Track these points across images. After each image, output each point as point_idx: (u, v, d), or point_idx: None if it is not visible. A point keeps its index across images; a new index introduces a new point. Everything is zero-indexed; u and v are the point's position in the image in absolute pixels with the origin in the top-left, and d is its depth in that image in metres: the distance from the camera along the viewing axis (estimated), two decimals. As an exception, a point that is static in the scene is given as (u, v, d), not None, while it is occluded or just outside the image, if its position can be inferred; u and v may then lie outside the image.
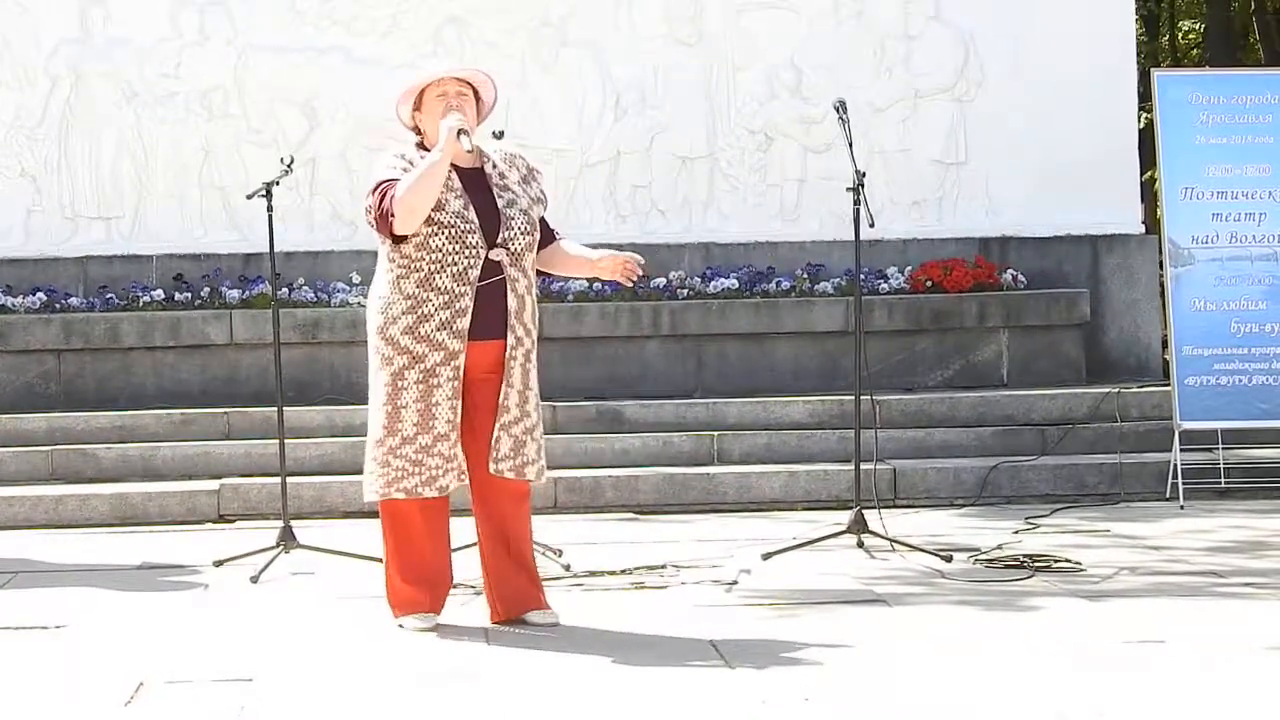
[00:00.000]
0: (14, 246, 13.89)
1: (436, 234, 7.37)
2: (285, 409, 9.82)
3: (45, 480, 11.75)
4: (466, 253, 7.38)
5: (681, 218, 14.26)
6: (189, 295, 13.50)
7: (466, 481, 7.59)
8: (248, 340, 13.06)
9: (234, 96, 14.06)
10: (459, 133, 7.35)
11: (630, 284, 7.75)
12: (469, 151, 7.43)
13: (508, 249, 7.44)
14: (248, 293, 13.44)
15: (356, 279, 13.61)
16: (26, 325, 13.13)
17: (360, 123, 13.92)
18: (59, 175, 13.96)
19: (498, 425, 7.46)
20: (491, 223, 7.44)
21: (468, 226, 7.39)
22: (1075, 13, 14.34)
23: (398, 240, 7.40)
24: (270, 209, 9.57)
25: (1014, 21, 14.33)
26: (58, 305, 13.43)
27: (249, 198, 9.69)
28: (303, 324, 13.09)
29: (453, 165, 7.44)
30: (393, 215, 7.31)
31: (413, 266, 7.41)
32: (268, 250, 9.84)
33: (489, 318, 7.42)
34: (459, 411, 7.43)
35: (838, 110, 9.65)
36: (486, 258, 7.41)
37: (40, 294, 13.47)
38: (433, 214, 7.36)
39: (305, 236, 13.97)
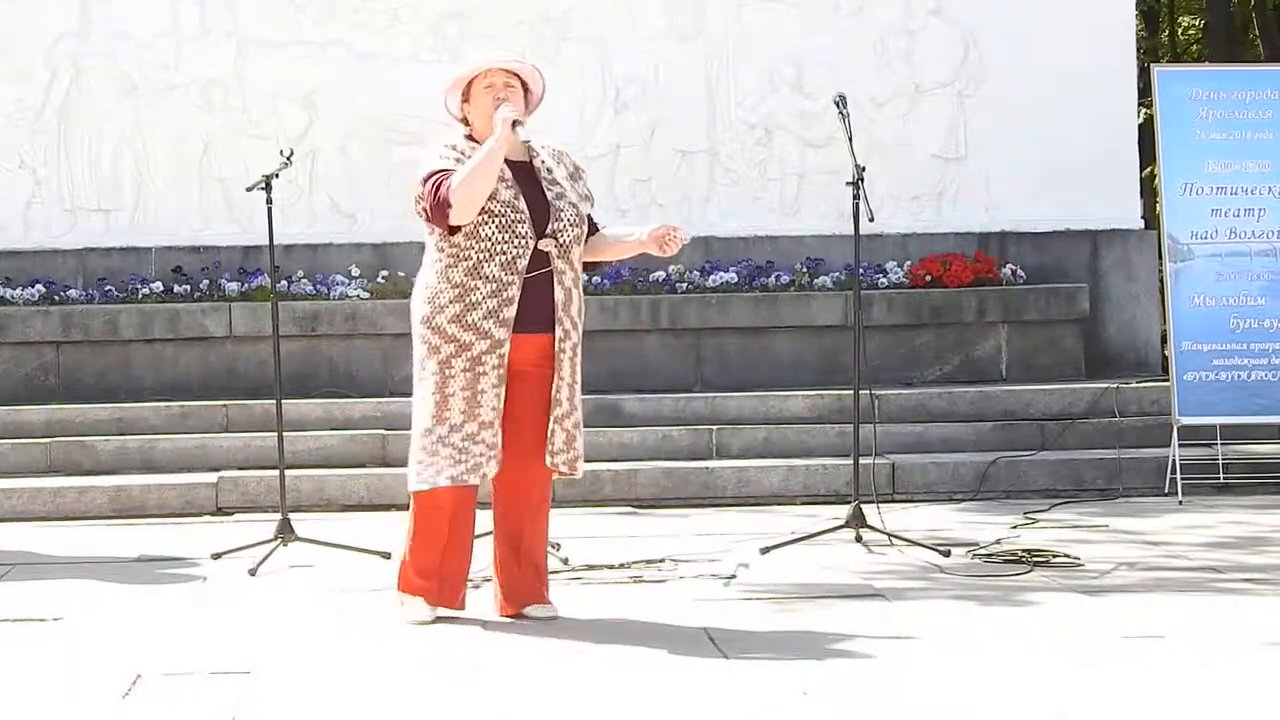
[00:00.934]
0: (13, 238, 13.91)
1: (486, 223, 7.37)
2: (284, 402, 9.81)
3: (43, 472, 11.75)
4: (516, 242, 7.38)
5: (681, 211, 14.25)
6: (188, 288, 13.50)
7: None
8: (247, 333, 13.06)
9: (234, 90, 14.06)
10: (514, 123, 7.35)
11: (663, 254, 7.72)
12: (525, 142, 7.42)
13: (556, 240, 7.44)
14: (247, 285, 13.43)
15: (355, 272, 13.63)
16: (25, 317, 13.13)
17: (360, 116, 13.94)
18: (58, 167, 13.97)
19: (552, 419, 7.46)
20: (541, 214, 7.44)
21: (518, 216, 7.39)
22: (1075, 8, 14.35)
23: (452, 231, 7.39)
24: (270, 202, 9.56)
25: (1014, 16, 14.34)
26: (57, 297, 13.43)
27: (249, 190, 9.68)
28: (302, 317, 13.09)
29: (503, 158, 7.45)
30: (450, 205, 7.30)
31: (461, 255, 7.40)
32: (267, 243, 9.83)
33: (536, 310, 7.42)
34: (503, 399, 7.42)
35: (837, 105, 9.65)
36: (535, 248, 7.41)
37: (39, 286, 13.47)
38: (483, 203, 7.36)
39: (305, 229, 13.97)
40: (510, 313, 7.38)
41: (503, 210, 7.39)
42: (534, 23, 14.16)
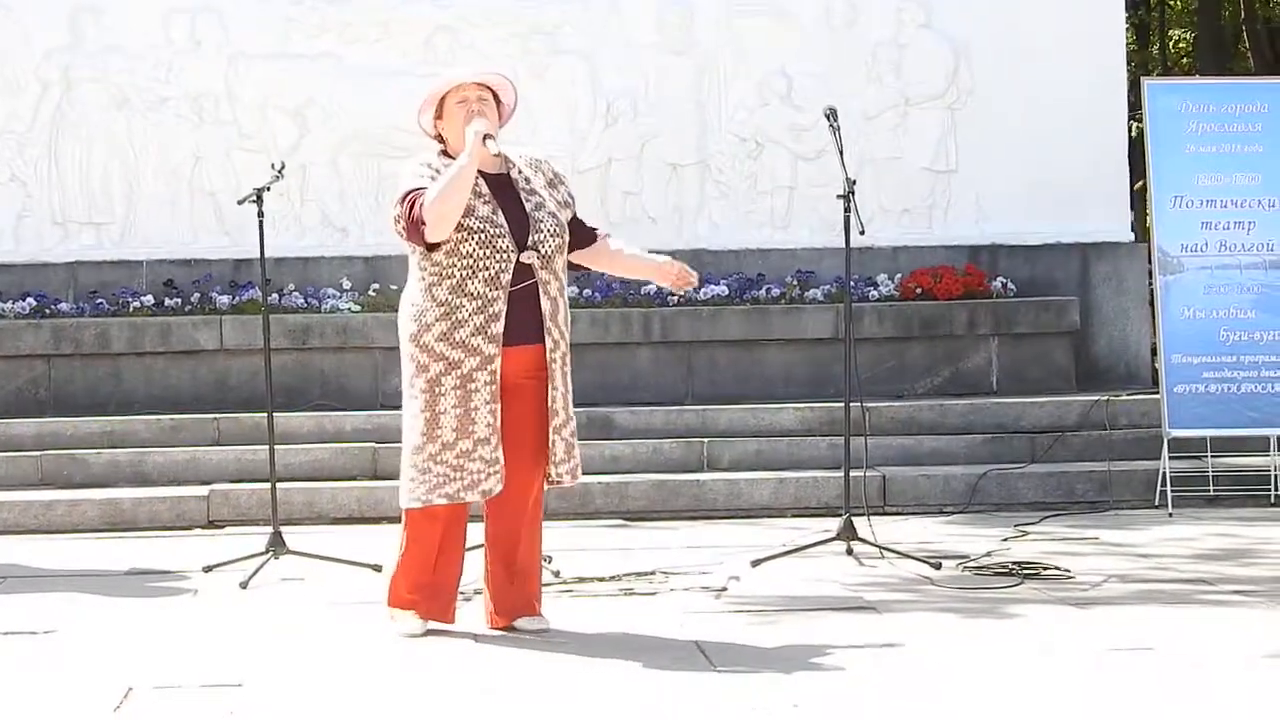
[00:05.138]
0: (4, 251, 13.90)
1: (466, 239, 7.36)
2: (275, 415, 9.82)
3: (35, 486, 11.74)
4: (497, 257, 7.38)
5: (672, 224, 14.28)
6: (179, 301, 13.50)
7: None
8: (238, 346, 13.06)
9: (225, 103, 14.06)
10: (485, 137, 7.35)
11: (682, 292, 7.82)
12: (496, 155, 7.40)
13: (538, 252, 7.44)
14: (238, 298, 13.43)
15: (347, 284, 13.63)
16: (16, 331, 13.12)
17: (351, 129, 13.95)
18: (49, 180, 13.97)
19: (552, 430, 7.47)
20: (521, 226, 7.44)
21: (497, 231, 7.39)
22: (1066, 21, 14.37)
23: (431, 248, 7.39)
24: (261, 215, 9.55)
25: (1005, 30, 14.35)
26: (48, 310, 13.43)
27: (240, 203, 9.69)
28: (293, 330, 13.09)
29: (479, 172, 7.44)
30: (424, 223, 7.29)
31: (444, 273, 7.40)
32: (258, 256, 9.81)
33: (523, 322, 7.42)
34: (499, 416, 7.41)
35: (828, 118, 9.66)
36: (518, 261, 7.41)
37: (30, 299, 13.46)
38: (462, 220, 7.35)
39: (296, 242, 13.97)
40: (498, 328, 7.38)
41: (482, 226, 7.38)
42: (525, 36, 14.18)
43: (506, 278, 7.40)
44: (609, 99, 14.24)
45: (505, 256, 7.39)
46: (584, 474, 11.43)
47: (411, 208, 7.34)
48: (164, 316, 13.33)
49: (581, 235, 7.73)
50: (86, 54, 13.97)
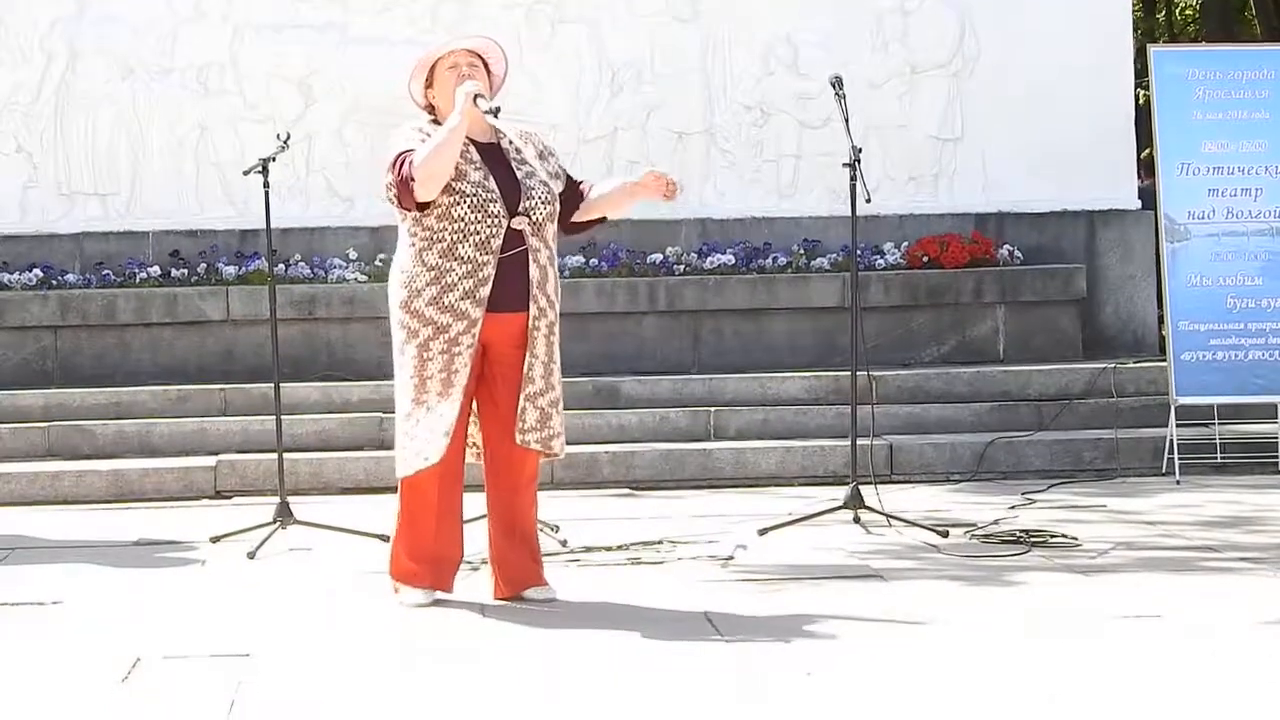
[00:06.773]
0: (10, 223, 13.88)
1: (458, 204, 7.36)
2: (282, 385, 9.81)
3: (42, 457, 11.75)
4: (489, 221, 7.37)
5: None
6: (185, 272, 13.49)
7: (479, 452, 7.58)
8: (244, 317, 13.05)
9: (230, 73, 14.03)
10: (476, 97, 7.34)
11: (669, 199, 7.69)
12: (487, 112, 7.38)
13: (529, 218, 7.44)
14: (244, 269, 13.43)
15: (353, 255, 13.62)
16: (23, 302, 13.12)
17: (357, 99, 13.91)
18: (55, 152, 13.95)
19: (523, 396, 7.46)
20: (512, 192, 7.43)
21: (489, 195, 7.38)
22: (1072, -12, 14.35)
23: (421, 208, 7.37)
24: (267, 185, 9.54)
25: (1010, -3, 14.34)
26: (54, 282, 13.42)
27: (245, 174, 9.68)
28: (299, 300, 13.09)
29: (470, 140, 7.44)
30: (413, 180, 7.28)
31: (435, 238, 7.40)
32: (264, 226, 9.81)
33: (512, 289, 7.41)
34: (470, 378, 7.42)
35: (834, 86, 9.65)
36: (509, 227, 7.41)
37: (37, 270, 13.46)
38: (454, 184, 7.35)
39: (302, 212, 13.95)
40: (485, 292, 7.37)
41: (474, 191, 7.38)
42: (530, 5, 14.14)
43: (497, 243, 7.39)
44: (614, 68, 14.21)
45: (497, 221, 7.39)
46: (590, 444, 11.66)
47: (401, 168, 7.33)
48: (170, 287, 13.33)
49: (574, 195, 7.69)
50: (91, 24, 13.94)
